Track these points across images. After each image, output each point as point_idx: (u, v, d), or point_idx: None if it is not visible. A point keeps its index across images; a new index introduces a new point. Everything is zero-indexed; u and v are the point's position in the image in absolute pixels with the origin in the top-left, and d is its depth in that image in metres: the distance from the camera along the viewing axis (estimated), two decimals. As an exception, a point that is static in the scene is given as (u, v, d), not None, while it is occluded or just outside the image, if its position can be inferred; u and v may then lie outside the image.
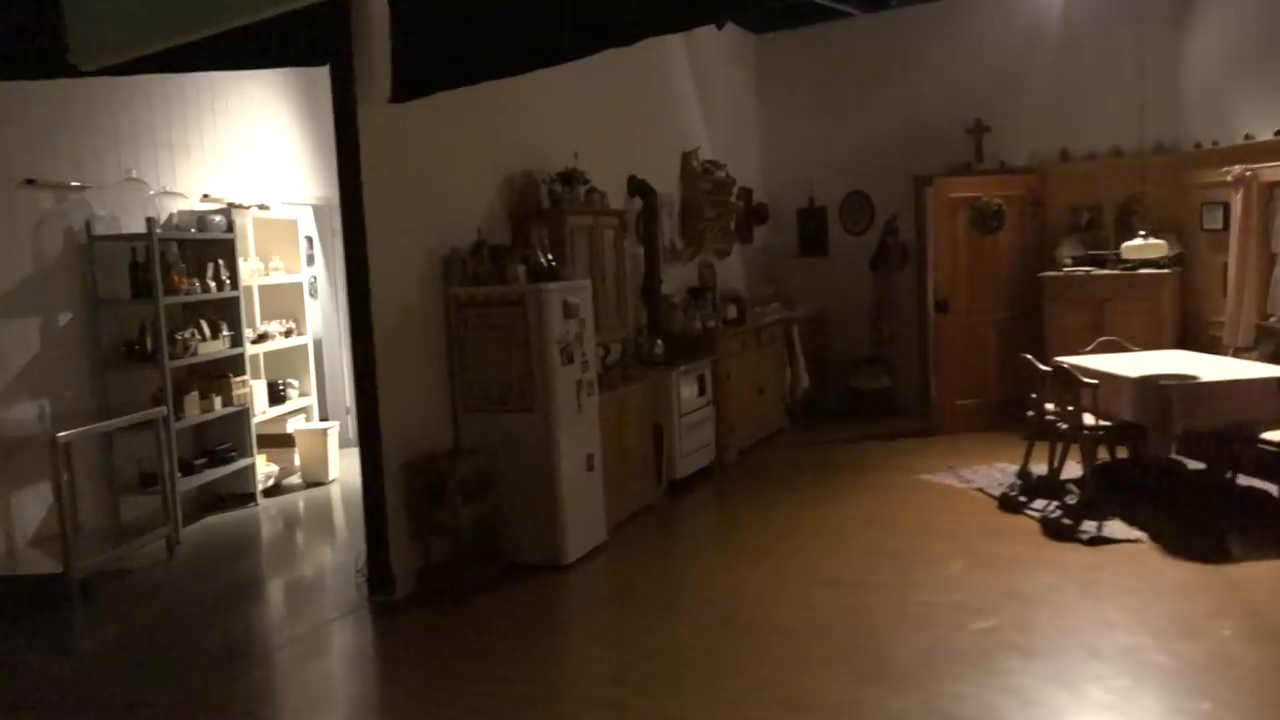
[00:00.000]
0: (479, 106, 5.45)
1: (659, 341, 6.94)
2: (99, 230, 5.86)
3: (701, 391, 7.03)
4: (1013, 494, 5.97)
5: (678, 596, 4.78)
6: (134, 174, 6.17)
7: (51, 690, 4.03)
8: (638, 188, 7.06)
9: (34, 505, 5.44)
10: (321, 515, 6.78)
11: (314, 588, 5.24)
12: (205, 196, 6.83)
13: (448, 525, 4.87)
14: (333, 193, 9.03)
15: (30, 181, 5.44)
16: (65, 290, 5.70)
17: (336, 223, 8.94)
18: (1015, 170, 8.36)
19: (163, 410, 5.76)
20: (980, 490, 6.23)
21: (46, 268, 5.58)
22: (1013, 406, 8.03)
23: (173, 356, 6.04)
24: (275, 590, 5.30)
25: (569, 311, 5.20)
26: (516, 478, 5.12)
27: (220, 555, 5.88)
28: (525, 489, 5.12)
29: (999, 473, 6.58)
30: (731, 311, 7.81)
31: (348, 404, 8.83)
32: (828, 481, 6.84)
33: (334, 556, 5.68)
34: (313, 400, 7.78)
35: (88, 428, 5.04)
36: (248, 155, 7.41)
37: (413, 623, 4.60)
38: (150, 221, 5.93)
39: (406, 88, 4.68)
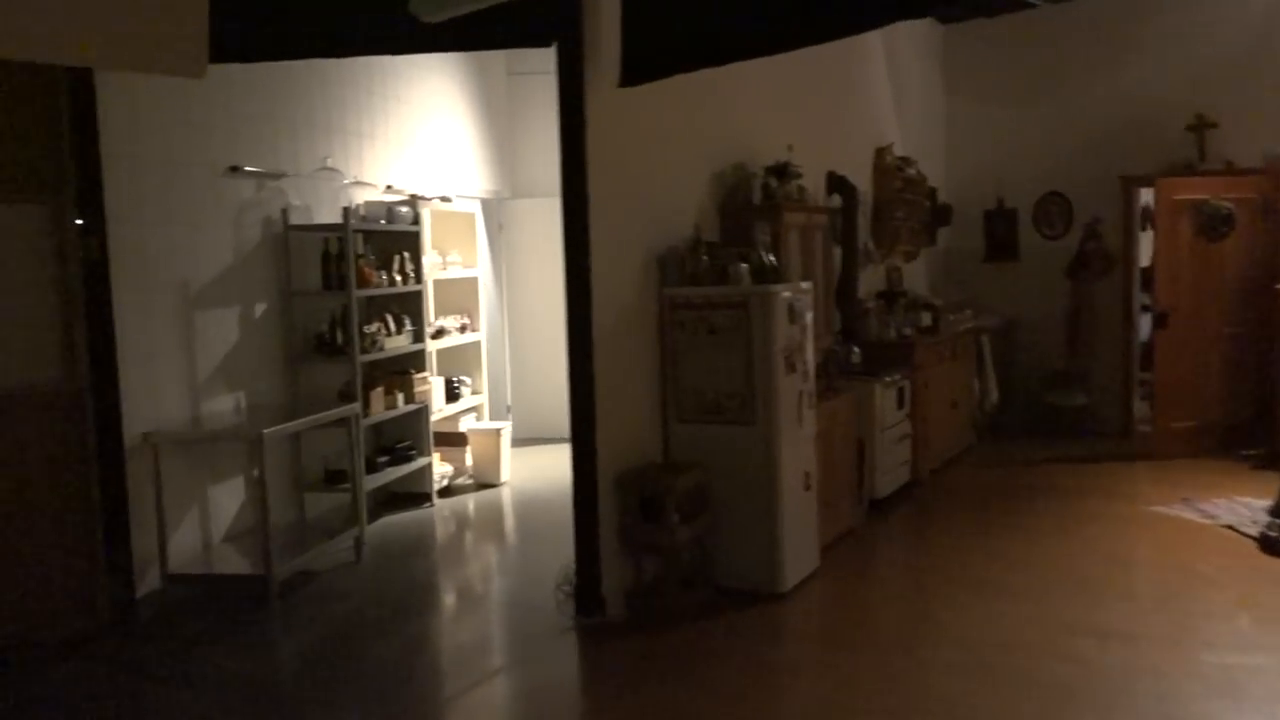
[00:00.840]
0: (688, 94, 5.08)
1: (855, 350, 6.48)
2: (294, 220, 5.72)
3: (900, 404, 6.53)
4: (1274, 534, 5.31)
5: (915, 636, 4.31)
6: (330, 162, 6.01)
7: (250, 703, 3.83)
8: (837, 184, 6.60)
9: (228, 500, 5.32)
10: (498, 521, 6.52)
11: (512, 603, 4.94)
12: (388, 188, 6.66)
13: (663, 545, 4.51)
14: (501, 186, 8.87)
15: (234, 169, 5.31)
16: (261, 281, 5.57)
17: (503, 216, 8.76)
18: (1245, 171, 7.58)
19: (355, 407, 5.57)
20: (1230, 528, 5.58)
21: (246, 257, 5.44)
22: (1237, 431, 7.30)
23: (360, 351, 5.86)
24: (470, 603, 5.02)
25: (794, 316, 4.78)
26: (730, 495, 4.72)
27: (404, 559, 5.66)
28: (740, 508, 4.72)
29: (1244, 507, 5.89)
30: (926, 319, 7.28)
31: (509, 402, 8.64)
32: (1045, 508, 6.25)
33: (525, 568, 5.39)
34: (484, 399, 7.56)
35: (290, 424, 4.86)
36: (423, 146, 7.23)
37: (626, 650, 4.26)
38: (347, 212, 5.75)
39: (636, 70, 4.35)
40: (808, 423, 4.95)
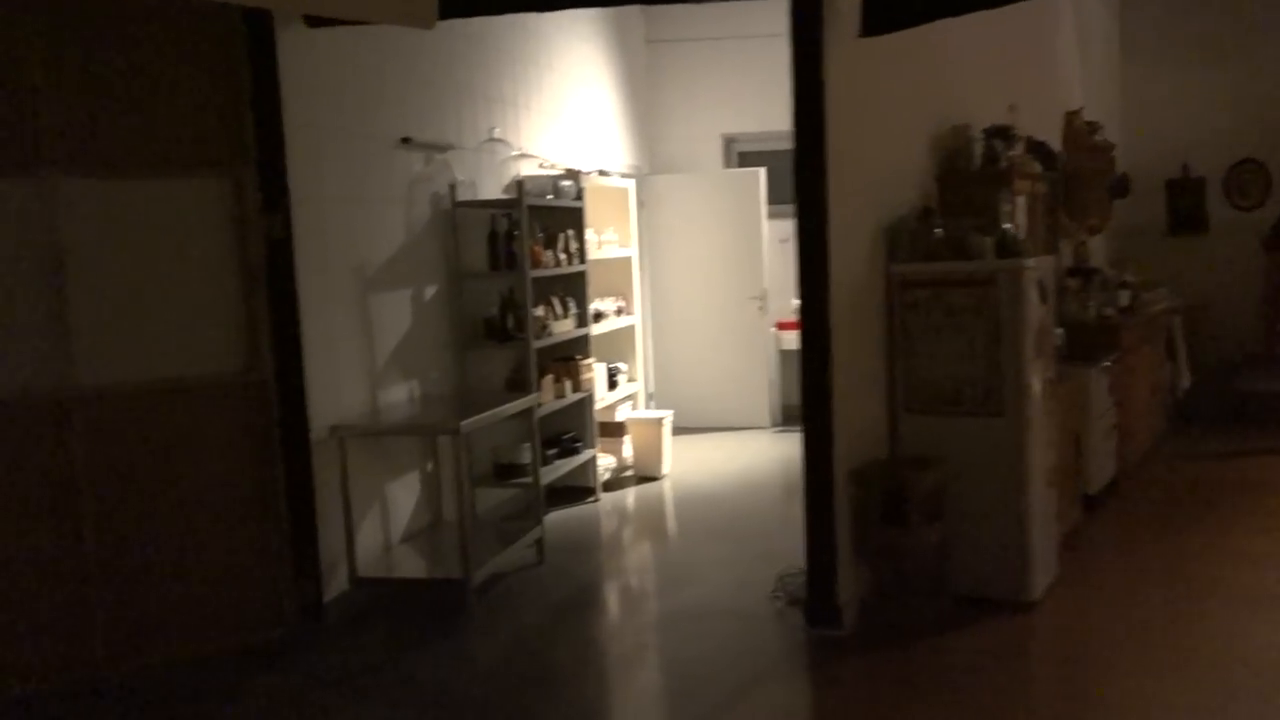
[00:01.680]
0: (903, 48, 4.55)
1: (1059, 331, 5.89)
2: (460, 196, 5.34)
3: (1110, 391, 5.94)
4: None
5: (1194, 657, 3.78)
6: (497, 133, 5.63)
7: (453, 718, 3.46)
8: (1037, 150, 6.01)
9: (405, 497, 4.98)
10: (669, 517, 6.09)
11: (720, 611, 4.46)
12: (543, 163, 6.26)
13: (904, 548, 4.04)
14: (641, 161, 8.43)
15: (405, 140, 4.95)
16: (430, 261, 5.20)
17: (644, 193, 8.30)
18: None
19: (535, 396, 5.19)
20: None
21: (417, 236, 5.08)
22: None
23: (523, 335, 5.47)
24: (674, 610, 4.58)
25: (1044, 294, 4.25)
26: (971, 494, 4.22)
27: (585, 560, 5.27)
28: (982, 508, 4.21)
29: None
30: (1124, 298, 6.65)
31: (651, 390, 8.22)
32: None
33: (719, 570, 4.95)
34: (639, 386, 7.15)
35: (483, 415, 4.47)
36: (571, 118, 6.82)
37: (866, 667, 3.79)
38: (520, 186, 5.35)
39: (879, 19, 3.85)
40: (1052, 413, 4.42)
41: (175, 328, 4.04)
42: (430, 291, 5.19)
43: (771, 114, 8.52)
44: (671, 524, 5.93)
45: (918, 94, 4.80)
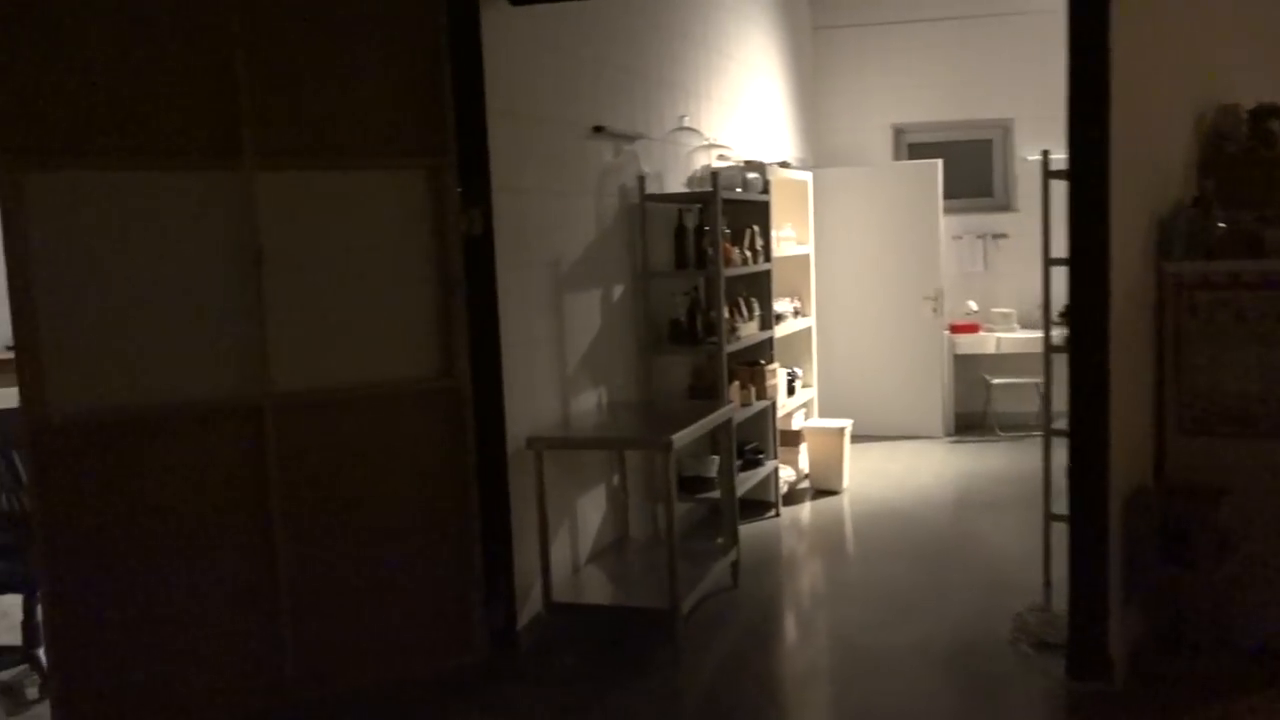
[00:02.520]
0: (1172, 19, 4.00)
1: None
2: (647, 188, 4.98)
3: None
4: None
5: None
6: (686, 121, 5.25)
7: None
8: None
9: (592, 513, 4.63)
10: (861, 537, 5.60)
11: (951, 653, 3.98)
12: (721, 155, 5.86)
13: (1188, 591, 3.50)
14: (805, 154, 7.97)
15: (598, 129, 4.60)
16: (617, 259, 4.85)
17: (813, 187, 7.79)
18: None
19: (734, 406, 4.79)
20: None
21: (606, 231, 4.73)
22: None
23: (714, 339, 5.07)
24: (898, 649, 4.11)
25: (1355, 298, 3.65)
26: (1259, 530, 3.65)
27: (782, 584, 4.85)
28: (1272, 545, 3.64)
29: None
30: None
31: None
32: None
33: (934, 602, 4.46)
34: (814, 392, 6.69)
35: (691, 428, 4.07)
36: (748, 107, 6.40)
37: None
38: (715, 178, 4.96)
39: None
40: (1353, 436, 3.80)
41: (368, 328, 3.76)
42: (618, 291, 4.83)
43: (943, 103, 8.01)
44: (868, 545, 5.45)
45: (1182, 70, 4.22)
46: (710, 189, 4.94)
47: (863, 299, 7.68)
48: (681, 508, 5.31)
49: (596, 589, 4.24)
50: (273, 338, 3.57)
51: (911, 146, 8.15)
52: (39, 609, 4.02)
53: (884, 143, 8.08)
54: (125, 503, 3.43)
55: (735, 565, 4.64)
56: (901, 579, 4.85)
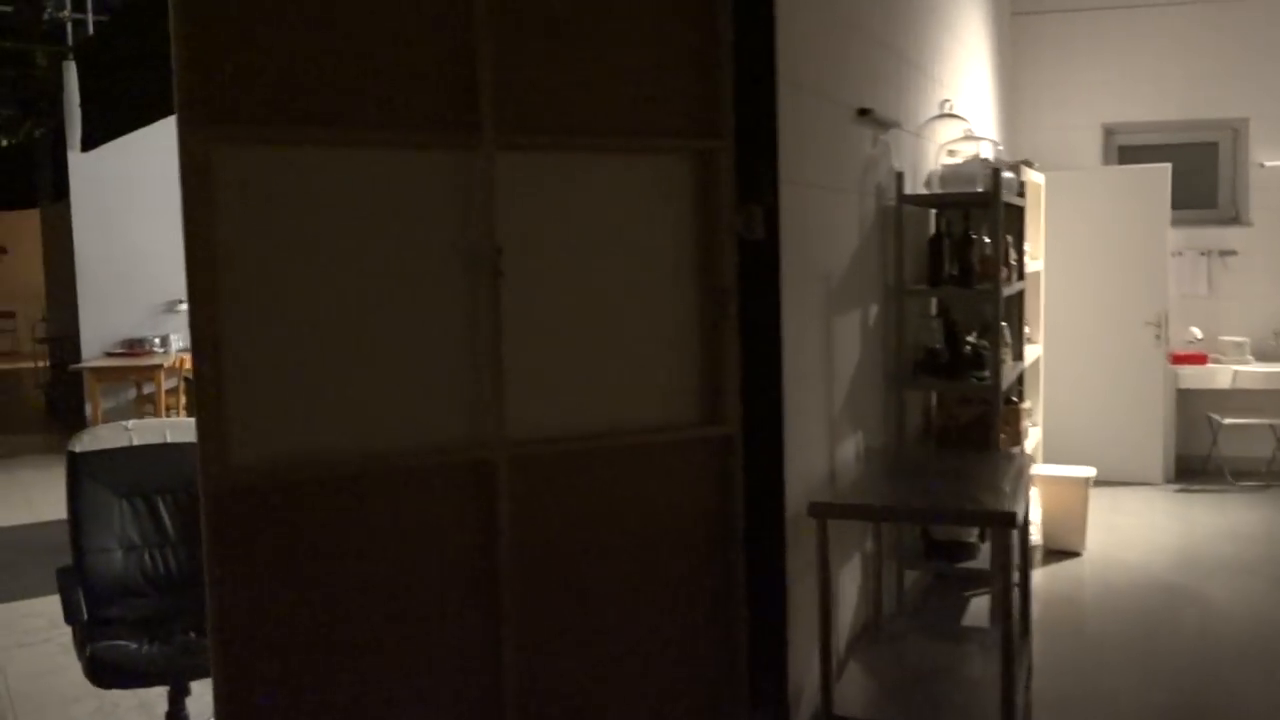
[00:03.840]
0: None
1: None
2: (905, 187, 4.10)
3: None
4: None
5: None
6: (948, 107, 4.36)
7: None
8: None
9: (848, 586, 3.74)
10: (1123, 618, 4.61)
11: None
12: (949, 150, 4.95)
13: None
14: (1007, 155, 7.00)
15: (864, 113, 3.73)
16: (871, 271, 3.97)
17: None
18: None
19: (1024, 455, 3.87)
20: None
21: (865, 236, 3.86)
22: None
23: (981, 373, 4.16)
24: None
25: None
26: None
27: (1066, 690, 3.91)
28: None
29: None
30: None
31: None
32: None
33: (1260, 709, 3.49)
34: (1039, 433, 5.73)
35: (1011, 493, 3.16)
36: (969, 98, 5.49)
37: None
38: (996, 177, 4.06)
39: None
40: None
41: (614, 359, 2.91)
42: (874, 311, 3.95)
43: (1162, 100, 7.01)
44: (1149, 630, 4.47)
45: None
46: (975, 189, 4.04)
47: (1078, 323, 6.70)
48: (914, 574, 4.41)
49: (893, 701, 3.34)
50: (509, 370, 2.74)
51: (1122, 150, 7.16)
52: (185, 701, 3.25)
53: (1091, 144, 7.10)
54: (318, 575, 2.61)
55: (1029, 672, 3.71)
56: (1219, 686, 3.86)
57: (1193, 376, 6.66)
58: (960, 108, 5.30)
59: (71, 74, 9.37)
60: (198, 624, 3.25)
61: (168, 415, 9.36)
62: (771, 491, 3.04)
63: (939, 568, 4.14)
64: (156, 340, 10.14)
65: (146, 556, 3.35)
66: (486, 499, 2.73)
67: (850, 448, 3.71)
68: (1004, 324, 4.64)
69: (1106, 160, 7.11)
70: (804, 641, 3.19)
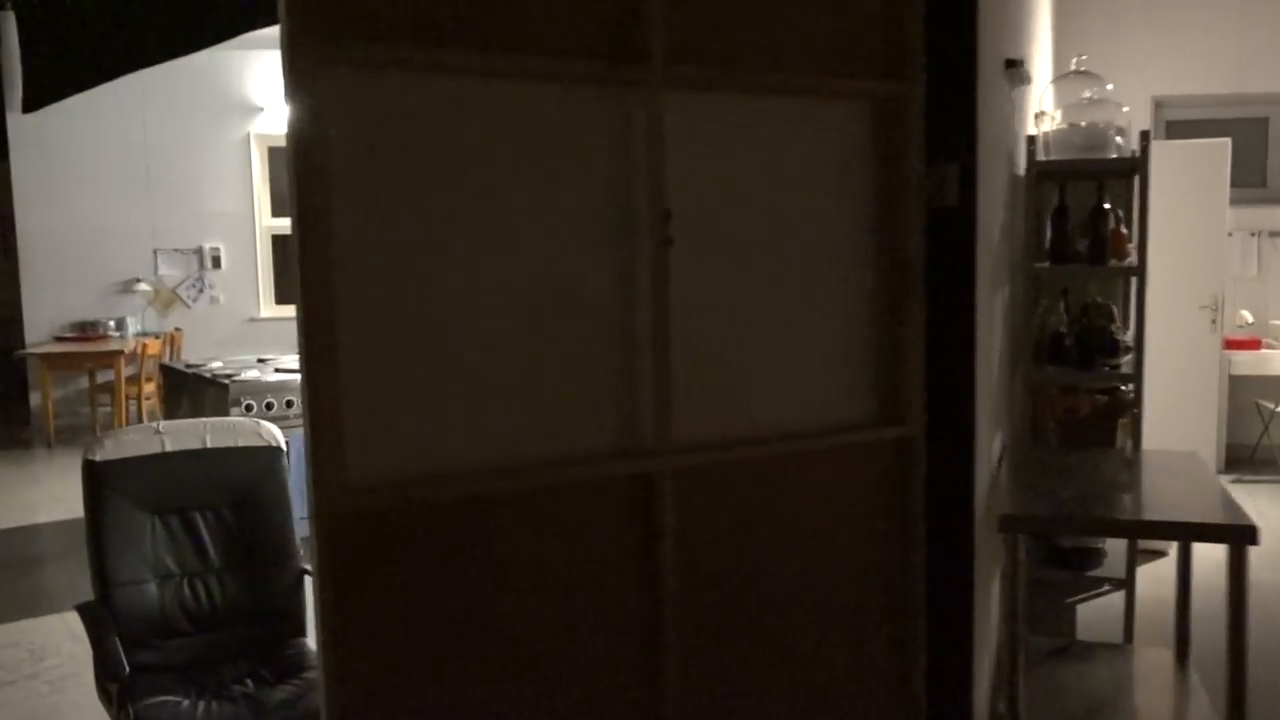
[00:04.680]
0: None
1: None
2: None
3: None
4: None
5: None
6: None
7: None
8: None
9: (992, 610, 3.29)
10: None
11: None
12: (1040, 112, 4.51)
13: None
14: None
15: (1012, 64, 3.25)
16: (1010, 247, 3.51)
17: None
18: None
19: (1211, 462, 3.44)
20: None
21: (1009, 206, 3.39)
22: None
23: (1114, 361, 3.73)
24: None
25: None
26: None
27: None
28: None
29: None
30: None
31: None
32: None
33: None
34: (1117, 424, 5.35)
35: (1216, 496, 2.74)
36: (1041, 57, 5.06)
37: None
38: (1145, 140, 3.62)
39: None
40: None
41: (782, 346, 2.40)
42: (1006, 290, 3.50)
43: (1212, 73, 6.69)
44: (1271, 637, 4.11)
45: None
46: (1101, 155, 3.61)
47: (1171, 314, 6.34)
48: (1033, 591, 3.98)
49: None
50: (675, 361, 2.21)
51: (1170, 125, 6.82)
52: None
53: (1140, 118, 6.75)
54: (447, 610, 2.06)
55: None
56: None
57: (1246, 362, 6.37)
58: (1038, 66, 4.88)
59: (10, 25, 8.50)
60: (251, 669, 2.68)
61: (128, 407, 8.58)
62: (958, 504, 2.57)
63: (1066, 576, 3.72)
64: (111, 323, 9.34)
65: (186, 587, 2.76)
66: (645, 519, 2.21)
67: (997, 447, 3.26)
68: (1110, 305, 4.24)
69: (1155, 135, 6.77)
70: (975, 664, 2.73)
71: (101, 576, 2.64)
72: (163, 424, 2.81)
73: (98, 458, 2.69)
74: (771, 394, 2.37)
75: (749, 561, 2.35)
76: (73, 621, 4.41)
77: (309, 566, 2.85)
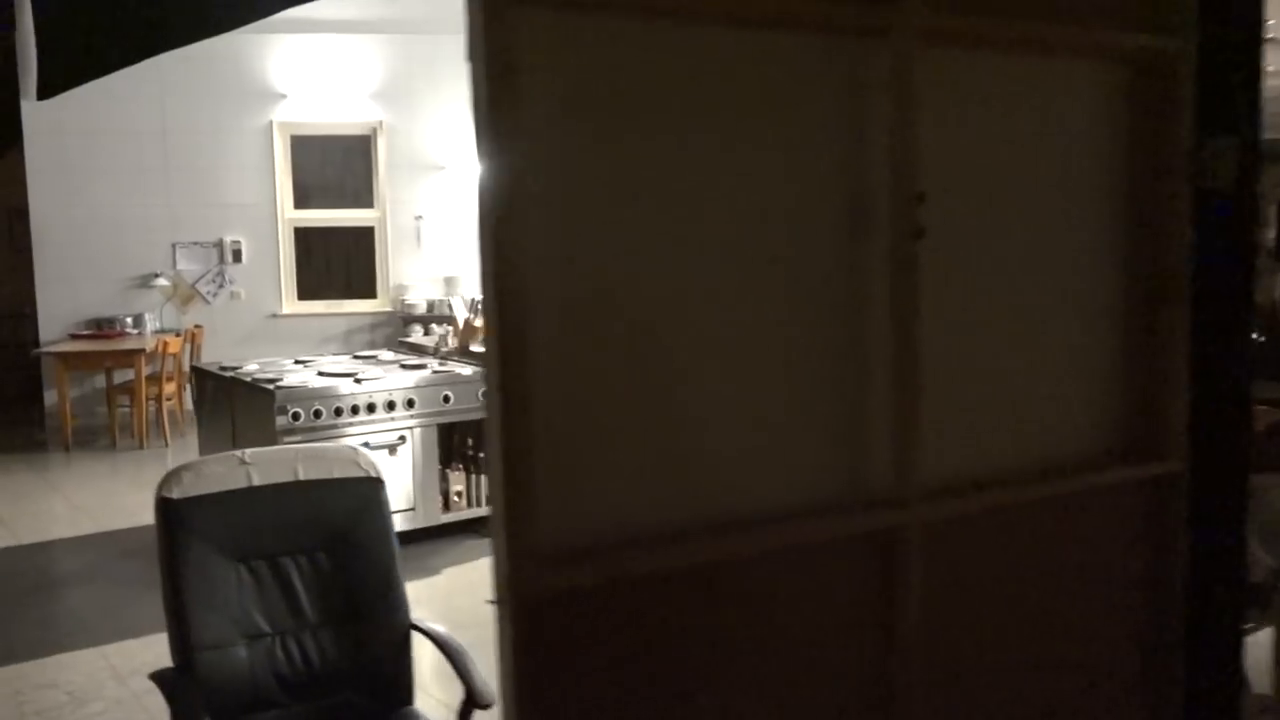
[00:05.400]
0: None
1: None
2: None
3: None
4: None
5: None
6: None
7: None
8: None
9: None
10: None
11: None
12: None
13: None
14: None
15: None
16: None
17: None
18: None
19: None
20: None
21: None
22: None
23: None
24: None
25: None
26: None
27: None
28: None
29: None
30: None
31: None
32: None
33: None
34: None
35: None
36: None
37: None
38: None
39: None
40: None
41: (1026, 364, 1.95)
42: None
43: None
44: None
45: None
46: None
47: None
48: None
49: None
50: (928, 384, 1.76)
51: None
52: None
53: None
54: (654, 693, 1.62)
55: None
56: None
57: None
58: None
59: (25, 6, 8.02)
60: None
61: (149, 408, 8.14)
62: (1224, 558, 2.12)
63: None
64: (129, 320, 8.88)
65: (279, 649, 2.31)
66: (883, 582, 1.76)
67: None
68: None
69: None
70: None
71: (182, 639, 2.19)
72: (248, 453, 2.36)
73: (175, 494, 2.24)
74: (1006, 423, 1.92)
75: (987, 629, 1.91)
76: (114, 657, 3.97)
77: (418, 622, 2.41)
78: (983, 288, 1.86)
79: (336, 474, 2.43)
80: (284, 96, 9.25)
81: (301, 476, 2.39)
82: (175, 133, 9.05)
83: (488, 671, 1.97)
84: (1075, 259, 1.98)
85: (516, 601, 1.40)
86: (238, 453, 2.35)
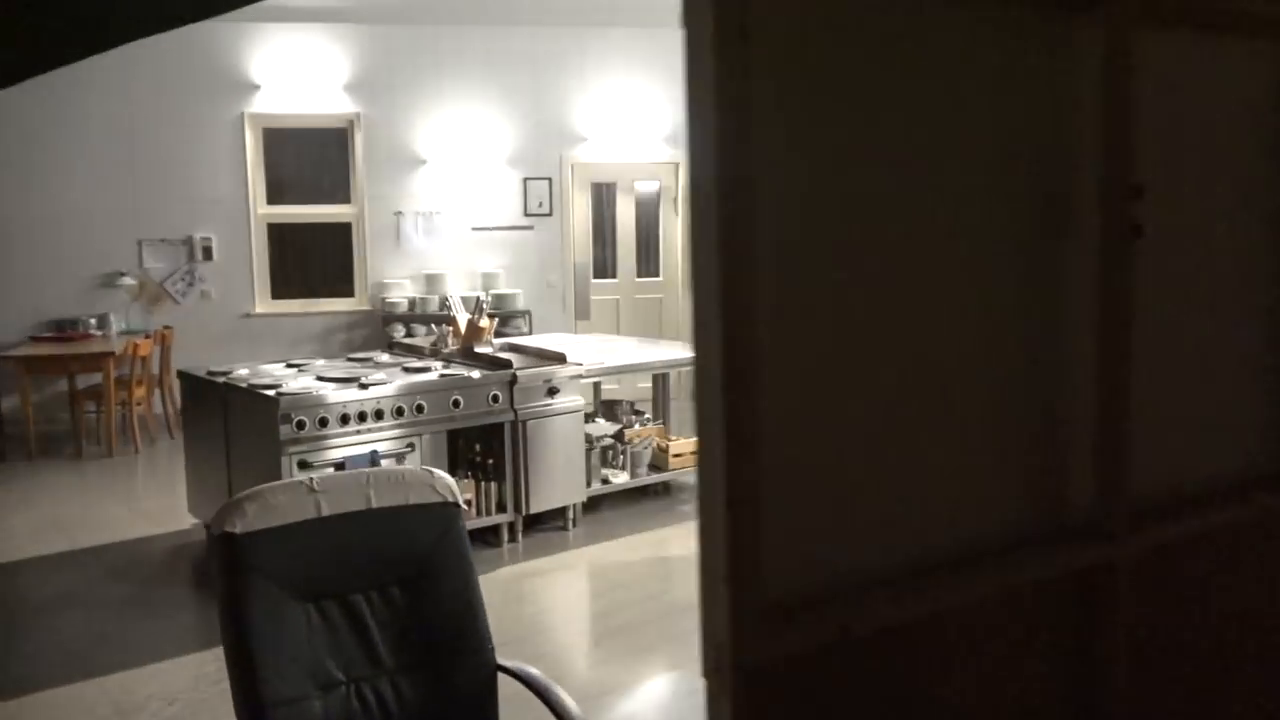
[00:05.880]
0: None
1: None
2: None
3: None
4: None
5: None
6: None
7: None
8: None
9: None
10: None
11: None
12: None
13: None
14: None
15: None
16: None
17: None
18: None
19: None
20: None
21: None
22: None
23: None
24: None
25: None
26: None
27: None
28: None
29: None
30: None
31: None
32: None
33: None
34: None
35: None
36: None
37: None
38: None
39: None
40: None
41: (1209, 371, 1.78)
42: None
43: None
44: None
45: None
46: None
47: None
48: None
49: None
50: (1138, 399, 1.57)
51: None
52: None
53: None
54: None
55: None
56: None
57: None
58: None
59: (-18, -9, 7.56)
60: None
61: (119, 413, 7.72)
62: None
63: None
64: (92, 321, 8.44)
65: (354, 699, 2.05)
66: (1085, 625, 1.56)
67: None
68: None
69: None
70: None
71: (252, 694, 1.92)
72: (317, 479, 2.09)
73: (239, 529, 1.96)
74: (1213, 439, 1.74)
75: (1195, 673, 1.72)
76: (115, 692, 3.65)
77: (504, 662, 2.17)
78: (1192, 290, 1.67)
79: (413, 500, 2.17)
80: (257, 87, 8.86)
81: (375, 504, 2.13)
82: (142, 124, 8.62)
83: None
84: (1258, 256, 1.80)
85: (743, 668, 1.17)
86: (304, 479, 2.08)
